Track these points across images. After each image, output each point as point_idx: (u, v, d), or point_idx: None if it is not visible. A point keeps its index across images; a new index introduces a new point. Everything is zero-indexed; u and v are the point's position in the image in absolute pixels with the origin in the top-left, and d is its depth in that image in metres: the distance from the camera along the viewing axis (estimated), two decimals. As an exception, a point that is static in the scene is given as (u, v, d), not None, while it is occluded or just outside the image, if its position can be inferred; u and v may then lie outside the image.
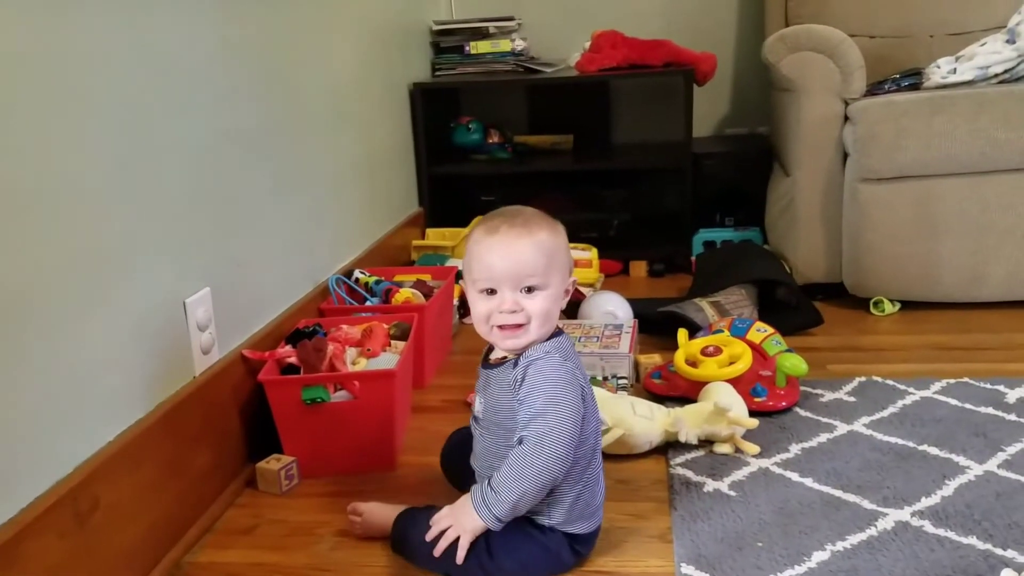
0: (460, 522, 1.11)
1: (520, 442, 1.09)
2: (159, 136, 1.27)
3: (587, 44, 2.62)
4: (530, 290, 1.11)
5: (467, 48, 2.69)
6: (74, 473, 1.05)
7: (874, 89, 2.18)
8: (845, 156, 2.13)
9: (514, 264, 1.10)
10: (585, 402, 1.13)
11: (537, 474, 1.07)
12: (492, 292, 1.12)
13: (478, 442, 1.20)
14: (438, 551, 1.10)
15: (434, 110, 2.63)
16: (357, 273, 1.98)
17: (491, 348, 1.21)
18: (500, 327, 1.12)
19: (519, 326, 1.12)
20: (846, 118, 2.12)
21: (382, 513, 1.23)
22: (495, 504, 1.08)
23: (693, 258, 2.48)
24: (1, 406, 0.95)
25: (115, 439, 1.14)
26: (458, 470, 1.30)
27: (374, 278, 1.96)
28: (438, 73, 2.73)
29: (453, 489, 1.34)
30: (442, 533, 1.11)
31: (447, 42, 2.75)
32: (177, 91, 1.32)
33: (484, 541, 1.11)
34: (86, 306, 1.10)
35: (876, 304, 2.13)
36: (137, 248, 1.21)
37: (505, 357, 1.16)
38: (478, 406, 1.20)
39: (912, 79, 2.21)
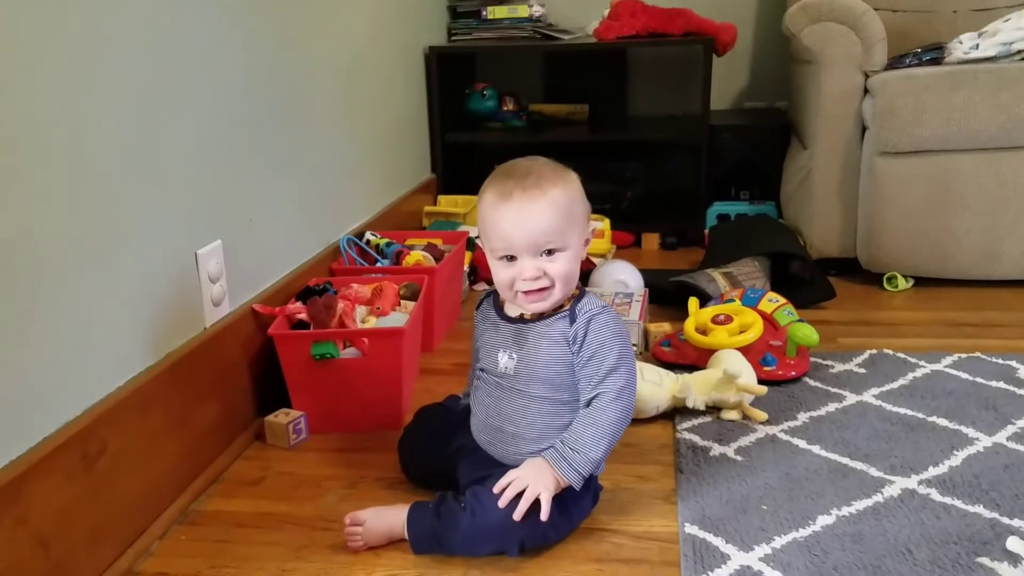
0: (539, 482, 1.07)
1: (592, 400, 1.10)
2: (174, 90, 1.27)
3: (606, 12, 2.59)
4: (550, 252, 1.09)
5: (484, 13, 2.67)
6: (83, 416, 1.06)
7: (895, 63, 2.16)
8: (864, 130, 2.11)
9: (532, 231, 1.07)
10: None
11: (619, 427, 1.10)
12: (512, 258, 1.10)
13: (503, 403, 1.16)
14: (519, 514, 1.05)
15: (449, 76, 2.62)
16: (368, 235, 1.98)
17: (502, 303, 1.20)
18: (525, 292, 1.11)
19: (544, 289, 1.10)
20: (866, 91, 2.10)
21: (385, 517, 1.13)
22: (582, 464, 1.08)
23: (706, 231, 2.47)
24: (13, 347, 0.96)
25: (124, 385, 1.15)
26: (426, 469, 1.27)
27: (385, 240, 1.95)
28: (454, 38, 2.71)
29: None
30: (515, 500, 1.07)
31: (464, 6, 2.73)
32: (193, 46, 1.31)
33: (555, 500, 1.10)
34: (98, 252, 1.10)
35: (889, 280, 2.12)
36: (150, 198, 1.21)
37: (542, 312, 1.14)
38: (505, 362, 1.15)
39: (933, 54, 2.18)
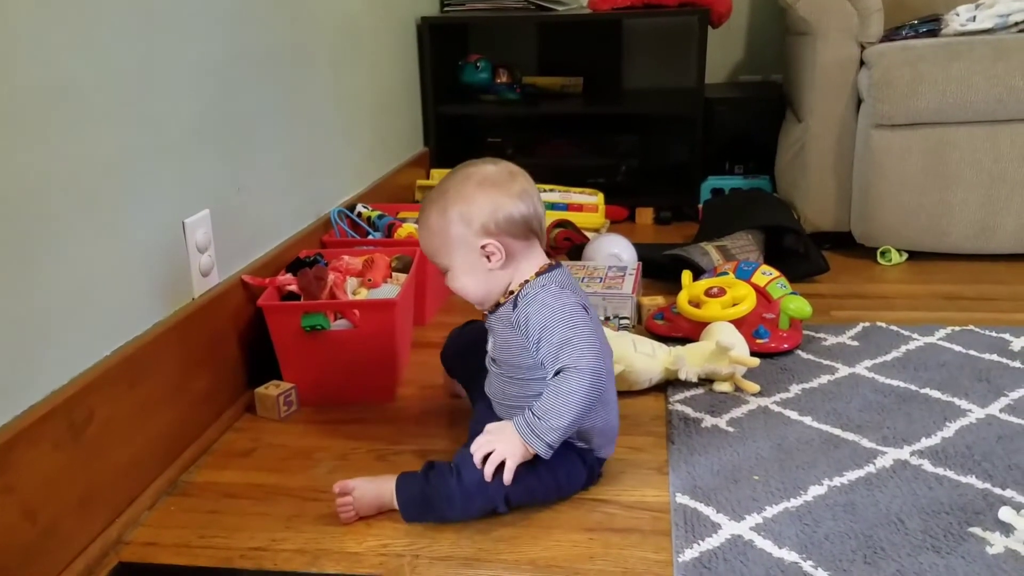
0: (504, 448, 1.09)
1: (558, 372, 1.09)
2: (166, 52, 1.25)
3: (600, -17, 2.56)
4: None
5: (477, -17, 2.63)
6: (69, 385, 1.05)
7: (891, 35, 2.14)
8: (859, 102, 2.10)
9: (422, 248, 1.21)
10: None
11: (584, 396, 1.08)
12: None
13: (493, 378, 1.23)
14: (488, 473, 1.08)
15: (442, 47, 2.59)
16: (360, 207, 1.96)
17: None
18: None
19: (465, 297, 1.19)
20: (861, 63, 2.08)
21: (375, 486, 1.14)
22: (546, 432, 1.08)
23: (700, 205, 2.46)
24: (-4, 313, 0.94)
25: (111, 354, 1.13)
26: (460, 364, 1.37)
27: (377, 212, 1.94)
28: (447, 8, 2.67)
29: (452, 425, 1.37)
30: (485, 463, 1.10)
31: (457, -23, 2.69)
32: (183, 13, 1.29)
33: (536, 461, 1.11)
34: (84, 221, 1.08)
35: (883, 254, 2.11)
36: (137, 163, 1.19)
37: (499, 301, 1.18)
38: (490, 347, 1.22)
39: (930, 26, 2.16)
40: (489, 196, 1.13)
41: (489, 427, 1.12)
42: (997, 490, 1.14)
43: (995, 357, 1.53)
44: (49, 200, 1.02)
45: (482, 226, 1.13)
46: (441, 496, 1.10)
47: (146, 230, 1.22)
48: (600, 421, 1.16)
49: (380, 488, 1.13)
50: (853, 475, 1.18)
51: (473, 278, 1.16)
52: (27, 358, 0.99)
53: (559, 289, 1.13)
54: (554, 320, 1.10)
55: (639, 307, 1.79)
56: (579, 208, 2.41)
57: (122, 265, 1.17)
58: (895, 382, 1.46)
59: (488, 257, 1.14)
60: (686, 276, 1.74)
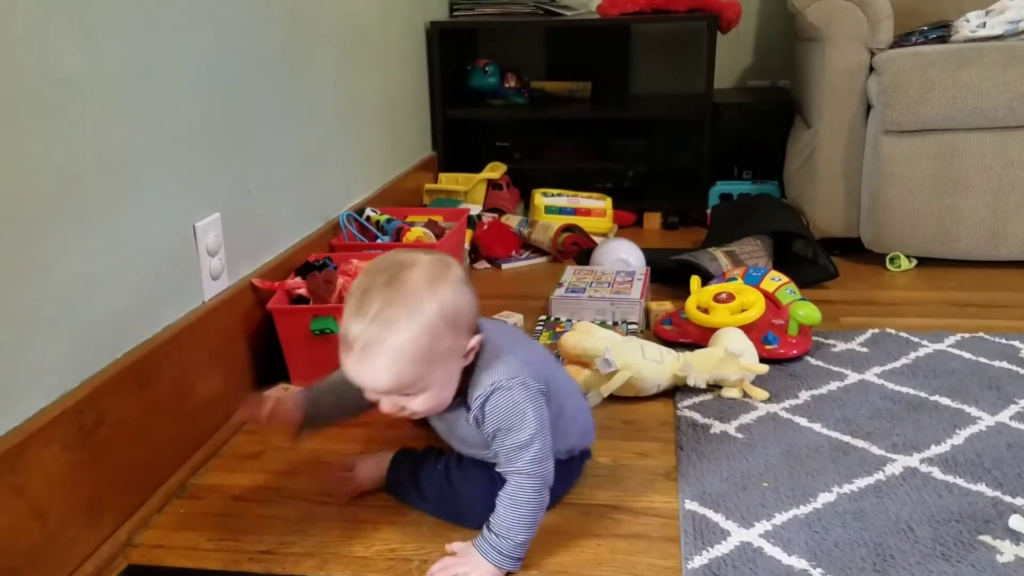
0: (476, 572, 1.01)
1: (507, 476, 1.03)
2: (173, 53, 1.25)
3: (610, -12, 2.57)
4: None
5: (487, -12, 2.64)
6: (80, 387, 1.05)
7: (901, 41, 2.14)
8: (868, 109, 2.09)
9: (374, 388, 0.98)
10: (553, 383, 1.08)
11: (538, 502, 1.03)
12: None
13: (449, 438, 1.14)
14: None
15: (451, 51, 2.59)
16: (368, 211, 1.97)
17: None
18: None
19: (412, 414, 1.03)
20: (871, 69, 2.08)
21: (374, 461, 1.18)
22: (512, 550, 1.01)
23: (709, 210, 2.46)
24: (11, 316, 0.94)
25: (122, 357, 1.14)
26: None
27: (385, 216, 1.94)
28: (456, 13, 2.68)
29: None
30: None
31: (466, -18, 2.70)
32: (190, 10, 1.29)
33: (446, 473, 1.13)
34: (95, 225, 1.08)
35: (892, 260, 2.11)
36: (148, 165, 1.19)
37: None
38: (439, 425, 1.12)
39: (940, 32, 2.16)
40: (459, 291, 0.99)
41: (455, 547, 1.05)
42: (1007, 498, 1.13)
43: (1005, 364, 1.52)
44: (55, 201, 1.02)
45: (468, 327, 1.00)
46: (426, 487, 1.14)
47: (157, 234, 1.22)
48: (561, 443, 1.10)
49: (380, 462, 1.18)
50: (862, 482, 1.18)
51: (448, 388, 1.01)
52: (38, 360, 0.99)
53: (508, 385, 1.01)
54: (509, 423, 1.01)
55: (647, 312, 1.79)
56: (587, 213, 2.41)
57: (134, 268, 1.17)
58: (904, 389, 1.45)
59: (467, 356, 1.01)
60: (694, 281, 1.74)
